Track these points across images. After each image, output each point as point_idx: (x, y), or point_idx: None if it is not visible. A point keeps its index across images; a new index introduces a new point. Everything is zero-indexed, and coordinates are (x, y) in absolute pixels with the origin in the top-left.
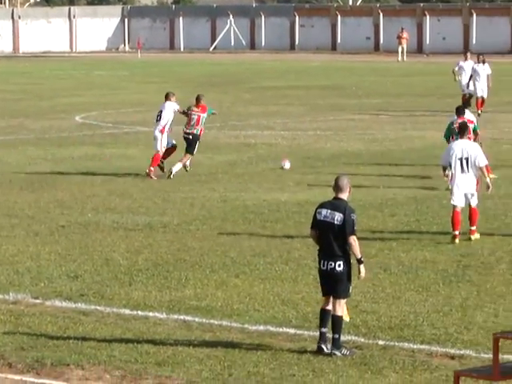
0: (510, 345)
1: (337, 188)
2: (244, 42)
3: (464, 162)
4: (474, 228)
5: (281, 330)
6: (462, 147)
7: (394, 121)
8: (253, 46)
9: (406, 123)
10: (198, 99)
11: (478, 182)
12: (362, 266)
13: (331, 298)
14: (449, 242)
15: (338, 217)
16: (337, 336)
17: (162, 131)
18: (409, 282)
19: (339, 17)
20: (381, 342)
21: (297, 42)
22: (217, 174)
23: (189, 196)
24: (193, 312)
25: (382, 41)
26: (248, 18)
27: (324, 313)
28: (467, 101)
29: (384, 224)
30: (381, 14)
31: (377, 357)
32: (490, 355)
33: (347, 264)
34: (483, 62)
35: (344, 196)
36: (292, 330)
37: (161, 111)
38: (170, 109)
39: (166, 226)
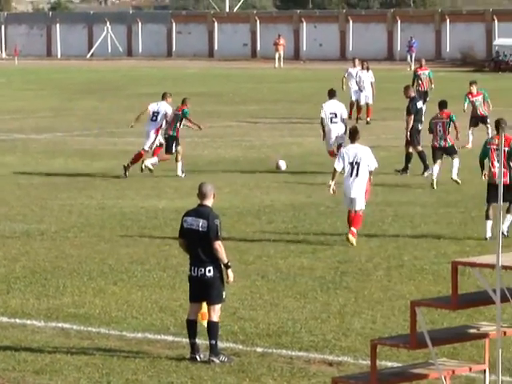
0: (388, 351)
1: (201, 195)
2: (121, 49)
3: (355, 166)
4: (353, 229)
5: (159, 337)
6: (354, 152)
7: (271, 127)
8: (130, 52)
9: (283, 130)
10: (183, 102)
11: (367, 190)
12: (229, 271)
13: (199, 307)
14: (326, 249)
15: (202, 223)
16: (214, 342)
17: (156, 132)
18: (287, 288)
19: (216, 23)
20: (259, 349)
21: (174, 49)
22: (95, 181)
23: (67, 203)
24: (71, 319)
25: (259, 47)
26: (125, 25)
27: (191, 323)
28: (352, 106)
29: (262, 231)
30: (258, 21)
31: (255, 364)
32: (368, 362)
33: (218, 269)
34: (367, 69)
35: (208, 202)
36: (170, 338)
37: (157, 112)
38: (166, 110)
39: (44, 234)
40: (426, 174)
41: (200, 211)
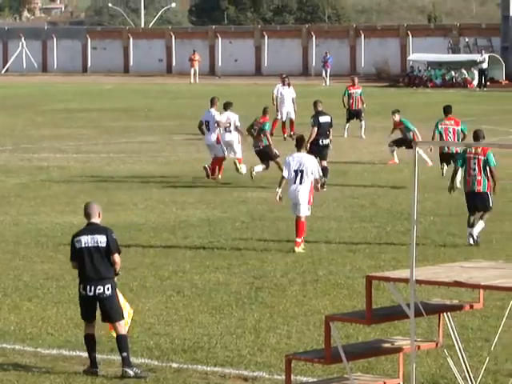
0: (303, 366)
1: (87, 215)
2: (36, 65)
3: (299, 174)
4: (298, 240)
5: (74, 353)
6: (298, 160)
7: (187, 143)
8: (45, 68)
9: (199, 145)
10: (264, 112)
11: (309, 200)
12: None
13: (94, 323)
14: (242, 264)
15: (100, 239)
16: (125, 354)
17: (218, 140)
18: (202, 304)
19: (131, 39)
20: (174, 365)
21: (89, 65)
22: (9, 197)
23: None
24: None
25: (174, 63)
26: (40, 41)
27: (89, 338)
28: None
29: (177, 246)
30: (173, 37)
31: (170, 380)
32: (283, 377)
33: (114, 285)
34: (288, 85)
35: (97, 221)
36: (85, 354)
37: (208, 121)
38: (216, 117)
39: None
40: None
41: (94, 228)
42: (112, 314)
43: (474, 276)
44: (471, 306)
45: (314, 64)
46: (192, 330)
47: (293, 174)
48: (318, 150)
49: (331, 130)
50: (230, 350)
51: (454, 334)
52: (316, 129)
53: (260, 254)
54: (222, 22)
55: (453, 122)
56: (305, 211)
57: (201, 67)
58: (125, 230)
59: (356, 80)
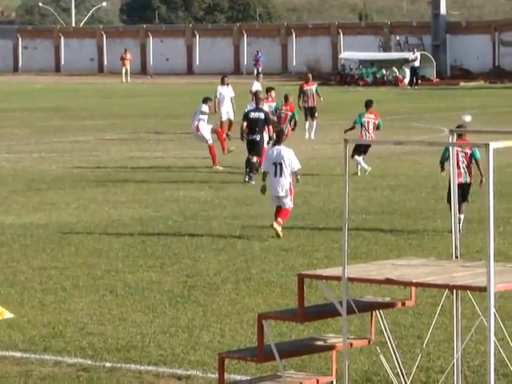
0: (237, 364)
1: None
2: None
3: (278, 166)
4: (279, 220)
5: (7, 353)
6: (277, 153)
7: (119, 142)
8: None
9: (131, 144)
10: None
11: (291, 191)
12: None
13: None
14: (175, 263)
15: None
16: None
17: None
18: (135, 303)
19: (62, 38)
20: (108, 364)
21: (20, 64)
22: None
23: None
24: None
25: (105, 62)
26: None
27: None
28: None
29: (110, 245)
30: (104, 36)
31: (104, 379)
32: (217, 375)
33: None
34: (227, 85)
35: None
36: (18, 354)
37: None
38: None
39: None
40: (251, 182)
41: None
42: None
43: (406, 273)
44: (403, 304)
45: (245, 63)
46: (125, 329)
47: (272, 166)
48: (247, 145)
49: (269, 126)
50: (163, 348)
51: (386, 331)
52: (245, 123)
53: (193, 253)
54: (153, 21)
55: (373, 115)
56: (288, 203)
57: (132, 66)
58: (57, 229)
59: (310, 77)
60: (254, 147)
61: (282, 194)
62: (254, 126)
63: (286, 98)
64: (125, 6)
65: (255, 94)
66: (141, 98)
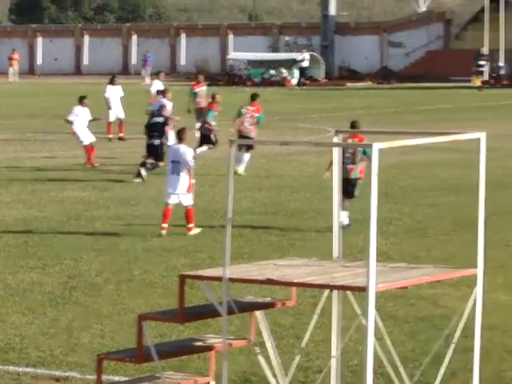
0: (116, 365)
1: None
2: None
3: (176, 164)
4: (191, 225)
5: None
6: (176, 151)
7: (4, 143)
8: None
9: (16, 145)
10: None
11: (190, 185)
12: None
13: None
14: (56, 264)
15: None
16: None
17: None
18: (15, 304)
19: None
20: None
21: None
22: None
23: None
24: None
25: None
26: None
27: None
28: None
29: None
30: None
31: None
32: (95, 376)
33: None
34: (116, 85)
35: None
36: None
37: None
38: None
39: None
40: (137, 179)
41: None
42: None
43: (287, 273)
44: (284, 304)
45: (134, 63)
46: (4, 331)
47: (170, 164)
48: (146, 148)
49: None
50: (42, 350)
51: (265, 331)
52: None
53: (75, 254)
54: (43, 21)
55: (255, 108)
56: (188, 201)
57: (20, 66)
58: None
59: (201, 78)
60: (153, 152)
61: (178, 191)
62: (152, 130)
63: (253, 99)
64: (14, 5)
65: (162, 93)
66: (28, 98)
